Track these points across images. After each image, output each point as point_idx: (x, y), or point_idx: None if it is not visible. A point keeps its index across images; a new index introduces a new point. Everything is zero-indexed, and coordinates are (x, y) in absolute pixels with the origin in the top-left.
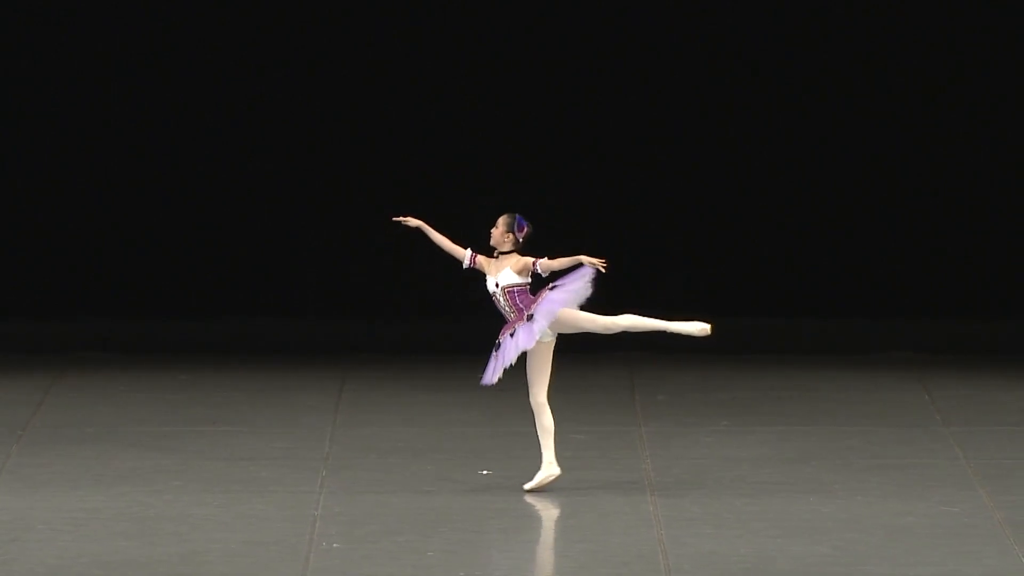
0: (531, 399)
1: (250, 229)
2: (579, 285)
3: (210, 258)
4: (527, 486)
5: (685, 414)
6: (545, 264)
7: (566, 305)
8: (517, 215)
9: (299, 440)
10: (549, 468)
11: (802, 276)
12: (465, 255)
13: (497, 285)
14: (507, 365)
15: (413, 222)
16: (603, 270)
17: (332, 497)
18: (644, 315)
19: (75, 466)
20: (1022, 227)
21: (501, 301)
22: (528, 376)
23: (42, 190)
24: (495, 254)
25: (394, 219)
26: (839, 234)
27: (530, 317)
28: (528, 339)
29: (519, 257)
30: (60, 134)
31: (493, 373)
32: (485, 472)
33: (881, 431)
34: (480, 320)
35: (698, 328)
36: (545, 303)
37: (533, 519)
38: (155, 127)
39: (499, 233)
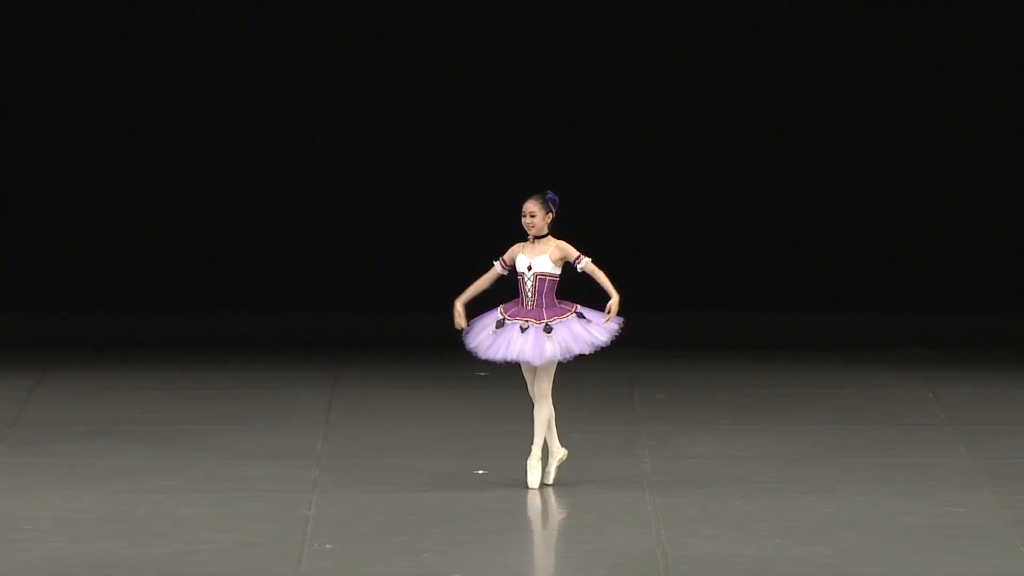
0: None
1: (238, 223)
2: (603, 341)
3: (197, 253)
4: (547, 480)
5: (685, 412)
6: (590, 267)
7: (581, 351)
8: (548, 192)
9: (291, 438)
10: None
11: (804, 270)
12: (496, 270)
13: (530, 268)
14: (509, 359)
15: (460, 312)
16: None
17: (325, 496)
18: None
19: (62, 465)
20: None
21: (528, 284)
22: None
23: (28, 186)
24: (531, 239)
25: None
26: (842, 228)
27: (548, 328)
28: (536, 356)
29: (557, 243)
30: (49, 132)
31: (488, 350)
32: (481, 472)
33: (884, 429)
34: (476, 313)
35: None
36: (567, 334)
37: (530, 519)
38: (139, 125)
39: (539, 220)
